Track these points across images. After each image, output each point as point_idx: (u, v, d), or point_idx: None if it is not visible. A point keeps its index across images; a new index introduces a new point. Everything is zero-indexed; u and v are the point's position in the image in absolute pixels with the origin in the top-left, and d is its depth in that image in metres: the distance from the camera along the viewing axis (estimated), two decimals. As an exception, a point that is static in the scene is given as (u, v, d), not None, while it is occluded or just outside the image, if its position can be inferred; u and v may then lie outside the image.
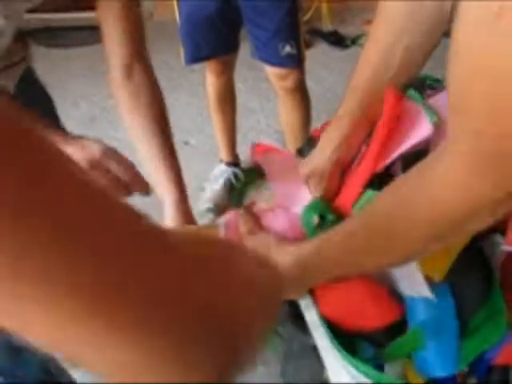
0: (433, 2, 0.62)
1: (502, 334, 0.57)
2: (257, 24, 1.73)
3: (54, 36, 2.86)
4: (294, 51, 1.77)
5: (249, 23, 1.75)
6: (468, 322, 0.60)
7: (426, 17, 0.63)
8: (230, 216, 0.72)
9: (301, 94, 1.91)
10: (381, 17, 0.67)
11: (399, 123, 0.62)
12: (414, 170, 0.50)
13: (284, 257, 0.58)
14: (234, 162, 2.13)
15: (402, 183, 0.52)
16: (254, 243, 0.64)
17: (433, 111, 0.62)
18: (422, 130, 0.61)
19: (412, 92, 0.65)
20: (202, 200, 2.08)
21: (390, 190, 0.53)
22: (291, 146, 1.93)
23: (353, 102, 0.69)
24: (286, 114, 1.95)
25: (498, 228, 0.58)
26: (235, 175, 2.10)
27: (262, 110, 2.61)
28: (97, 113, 2.61)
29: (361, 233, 0.55)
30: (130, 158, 0.81)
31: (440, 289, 0.59)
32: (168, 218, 0.81)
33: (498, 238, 0.59)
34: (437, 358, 0.59)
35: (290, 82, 1.84)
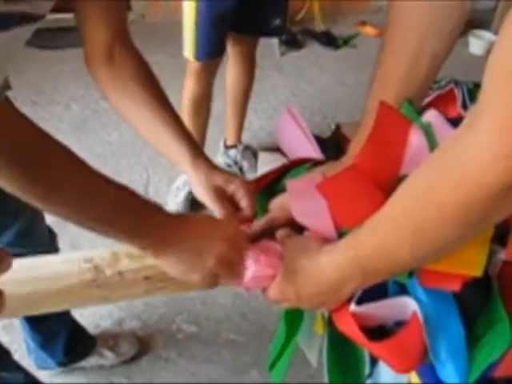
0: (455, 3, 0.59)
1: (509, 342, 0.56)
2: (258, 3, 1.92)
3: (45, 37, 2.83)
4: (282, 24, 2.04)
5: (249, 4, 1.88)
6: (470, 331, 0.59)
7: (449, 19, 0.61)
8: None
9: (253, 59, 2.15)
10: (401, 22, 0.63)
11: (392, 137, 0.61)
12: (444, 142, 0.46)
13: (322, 257, 0.60)
14: None
15: (432, 155, 0.49)
16: (293, 246, 0.65)
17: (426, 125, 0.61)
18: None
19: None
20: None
21: (419, 168, 0.49)
22: (230, 107, 2.20)
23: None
24: (236, 77, 2.15)
25: (494, 237, 0.57)
26: None
27: (255, 111, 2.61)
28: (88, 115, 2.59)
29: (390, 222, 0.52)
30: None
31: (444, 295, 0.59)
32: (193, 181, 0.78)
33: (494, 246, 0.58)
34: (449, 365, 0.58)
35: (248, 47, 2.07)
